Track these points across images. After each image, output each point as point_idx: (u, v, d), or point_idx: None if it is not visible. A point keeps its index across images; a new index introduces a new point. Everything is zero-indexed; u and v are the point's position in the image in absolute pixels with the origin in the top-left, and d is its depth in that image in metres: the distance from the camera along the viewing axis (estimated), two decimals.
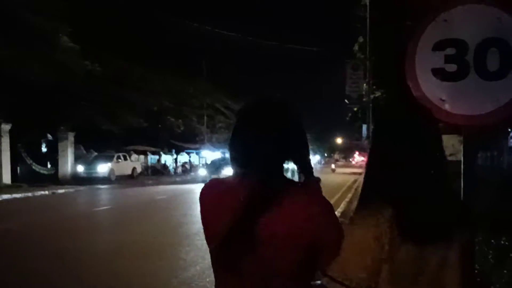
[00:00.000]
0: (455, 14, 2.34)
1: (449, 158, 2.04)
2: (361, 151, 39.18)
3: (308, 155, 1.26)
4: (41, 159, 21.93)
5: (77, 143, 23.01)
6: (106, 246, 7.08)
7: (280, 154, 1.19)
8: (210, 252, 1.23)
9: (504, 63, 2.24)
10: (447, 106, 2.33)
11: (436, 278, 1.09)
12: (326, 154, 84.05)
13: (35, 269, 5.63)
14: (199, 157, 35.53)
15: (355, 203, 1.14)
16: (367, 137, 15.43)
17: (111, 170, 23.27)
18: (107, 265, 5.88)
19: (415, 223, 1.10)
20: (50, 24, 17.03)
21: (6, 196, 14.66)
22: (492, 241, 3.28)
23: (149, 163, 30.28)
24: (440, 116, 2.17)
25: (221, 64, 36.50)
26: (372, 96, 13.87)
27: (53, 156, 22.05)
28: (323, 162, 71.01)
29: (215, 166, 23.39)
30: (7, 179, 18.15)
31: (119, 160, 24.67)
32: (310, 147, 1.29)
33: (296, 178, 1.24)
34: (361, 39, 13.64)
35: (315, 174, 1.25)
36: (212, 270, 1.25)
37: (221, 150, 33.21)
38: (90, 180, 21.40)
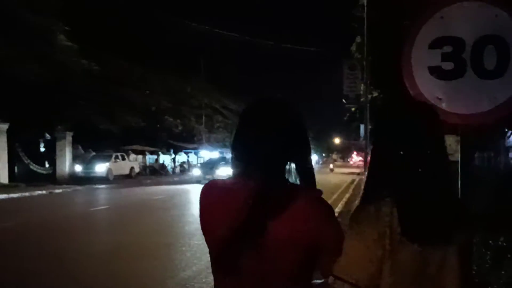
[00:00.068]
0: (452, 11, 2.32)
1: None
2: (359, 151, 39.20)
3: (310, 157, 1.26)
4: (39, 159, 21.84)
5: (75, 142, 22.92)
6: (103, 247, 7.04)
7: (283, 155, 1.19)
8: (210, 253, 1.22)
9: (501, 61, 2.21)
10: (443, 105, 2.31)
11: (436, 278, 1.10)
12: (324, 154, 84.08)
13: (31, 269, 5.59)
14: (197, 157, 35.47)
15: (353, 204, 1.13)
16: (365, 137, 15.42)
17: (109, 170, 23.20)
18: (104, 265, 5.84)
19: (415, 223, 1.10)
20: (47, 23, 16.98)
21: (2, 196, 14.57)
22: (490, 242, 3.26)
23: (147, 163, 30.21)
24: None
25: (220, 63, 36.52)
26: (369, 96, 13.86)
27: (51, 155, 21.96)
28: (321, 162, 71.04)
29: (210, 166, 23.20)
30: (4, 178, 18.08)
31: (117, 159, 24.59)
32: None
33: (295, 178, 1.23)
34: (358, 39, 13.63)
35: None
36: (208, 271, 1.23)
37: (219, 150, 33.18)
38: (88, 179, 21.32)
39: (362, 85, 15.73)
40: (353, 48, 14.62)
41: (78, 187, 18.82)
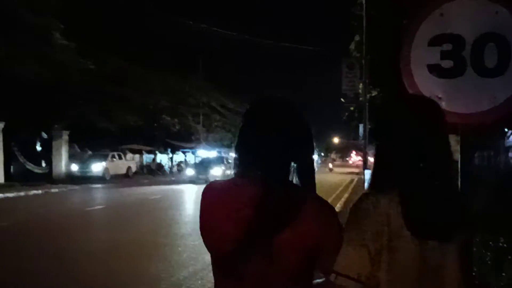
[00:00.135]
0: (452, 8, 2.26)
1: None
2: (358, 150, 39.20)
3: (312, 157, 1.26)
4: (36, 158, 21.73)
5: (71, 141, 22.82)
6: (99, 246, 6.95)
7: (286, 156, 1.18)
8: (211, 254, 1.20)
9: (502, 59, 2.15)
10: (443, 104, 2.24)
11: (436, 274, 1.10)
12: (323, 154, 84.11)
13: (29, 268, 5.54)
14: (195, 156, 35.38)
15: (352, 204, 1.17)
16: (364, 136, 15.38)
17: (106, 169, 23.10)
18: (100, 265, 5.79)
19: (415, 220, 1.10)
20: (46, 22, 16.90)
21: None
22: (490, 243, 3.20)
23: (144, 162, 30.11)
24: None
25: (218, 63, 36.47)
26: (368, 96, 13.81)
27: (48, 154, 21.86)
28: (320, 161, 71.08)
29: (204, 166, 22.95)
30: None
31: (114, 159, 24.50)
32: None
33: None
34: (357, 38, 13.57)
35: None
36: (204, 271, 1.19)
37: (217, 149, 33.10)
38: (84, 179, 21.22)
39: (361, 84, 15.68)
40: (352, 46, 14.55)
41: (75, 187, 18.75)
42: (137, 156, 28.90)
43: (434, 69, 2.26)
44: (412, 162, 1.15)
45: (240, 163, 1.22)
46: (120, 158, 25.25)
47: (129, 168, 25.99)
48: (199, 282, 4.86)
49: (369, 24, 11.36)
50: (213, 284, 1.22)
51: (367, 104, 14.20)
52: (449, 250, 1.10)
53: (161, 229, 8.58)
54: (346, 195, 14.60)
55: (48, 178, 20.56)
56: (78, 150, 24.59)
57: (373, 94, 13.43)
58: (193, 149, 34.52)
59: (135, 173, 26.90)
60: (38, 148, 22.72)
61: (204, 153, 32.15)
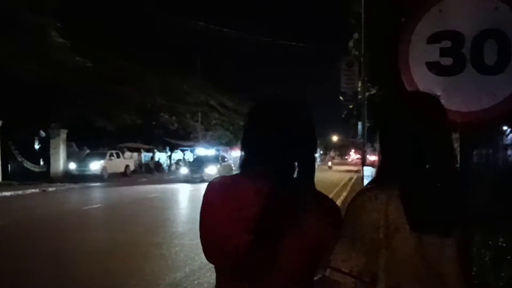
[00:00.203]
0: (451, 4, 2.22)
1: None
2: (357, 148, 39.20)
3: (315, 155, 1.25)
4: (34, 157, 21.67)
5: (69, 140, 22.76)
6: (95, 246, 6.90)
7: (292, 153, 1.18)
8: (213, 252, 1.18)
9: (502, 56, 2.12)
10: (442, 102, 2.21)
11: (434, 267, 1.09)
12: (321, 152, 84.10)
13: (25, 268, 5.49)
14: (193, 155, 35.36)
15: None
16: (362, 134, 15.34)
17: (104, 168, 23.03)
18: (96, 265, 5.76)
19: (414, 216, 1.09)
20: (43, 21, 16.83)
21: None
22: (490, 242, 3.17)
23: (142, 161, 30.05)
24: None
25: (216, 61, 36.39)
26: (367, 94, 13.78)
27: (46, 153, 21.79)
28: (319, 160, 71.11)
29: (198, 164, 22.55)
30: None
31: (112, 157, 24.40)
32: None
33: None
34: (356, 36, 13.53)
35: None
36: (201, 271, 1.16)
37: (215, 147, 33.05)
38: (82, 178, 21.14)
39: (360, 82, 15.63)
40: (351, 44, 14.53)
41: (72, 185, 18.70)
42: (135, 154, 28.84)
43: (433, 67, 2.22)
44: (412, 159, 1.14)
45: (245, 160, 1.22)
46: (118, 156, 25.16)
47: (127, 166, 25.92)
48: (196, 282, 4.82)
49: (368, 22, 11.32)
50: (210, 284, 1.18)
51: (365, 102, 14.15)
52: (448, 246, 1.09)
53: (158, 228, 8.54)
54: (344, 194, 14.59)
55: (46, 176, 20.51)
56: (76, 148, 24.52)
57: (372, 92, 13.41)
58: (191, 148, 34.47)
59: (133, 171, 26.83)
60: (36, 146, 22.65)
61: (203, 151, 32.07)
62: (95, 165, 22.63)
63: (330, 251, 1.14)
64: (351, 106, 20.89)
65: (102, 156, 23.63)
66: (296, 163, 1.19)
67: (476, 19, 2.16)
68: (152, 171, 29.04)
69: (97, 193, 16.68)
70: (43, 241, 7.29)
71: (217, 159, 24.09)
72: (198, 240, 1.19)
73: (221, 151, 34.17)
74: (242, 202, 1.12)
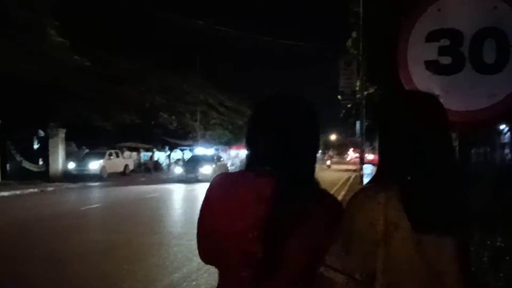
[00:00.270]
0: (450, 2, 2.19)
1: None
2: (355, 147, 39.21)
3: (317, 153, 1.27)
4: (33, 156, 21.62)
5: (68, 139, 22.70)
6: (93, 247, 6.87)
7: (296, 152, 1.18)
8: (219, 248, 1.17)
9: (501, 55, 2.09)
10: (441, 101, 2.19)
11: (433, 268, 1.08)
12: (320, 151, 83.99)
13: (20, 271, 5.42)
14: (192, 154, 35.34)
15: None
16: (361, 133, 15.34)
17: (103, 167, 22.98)
18: (94, 267, 5.71)
19: (413, 215, 1.08)
20: (41, 19, 16.77)
21: None
22: (488, 242, 3.15)
23: (142, 160, 30.01)
24: None
25: (216, 60, 36.36)
26: (365, 93, 13.77)
27: (45, 153, 21.74)
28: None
29: (193, 164, 22.19)
30: None
31: (111, 157, 24.34)
32: None
33: None
34: (354, 35, 13.52)
35: None
36: (199, 272, 1.15)
37: (214, 147, 33.02)
38: (81, 177, 21.09)
39: (358, 81, 15.62)
40: (349, 43, 14.51)
41: (71, 185, 18.65)
42: (134, 154, 28.79)
43: (432, 66, 2.20)
44: (412, 159, 1.13)
45: (250, 158, 1.22)
46: (117, 156, 25.11)
47: (126, 166, 25.87)
48: (194, 283, 4.79)
49: (366, 20, 11.30)
50: (207, 286, 1.17)
51: (364, 101, 14.15)
52: (448, 246, 1.08)
53: (155, 229, 8.52)
54: (343, 193, 14.58)
55: (45, 176, 20.46)
56: (75, 148, 24.45)
57: (370, 91, 13.40)
58: (191, 147, 34.44)
59: (133, 171, 26.78)
60: (35, 146, 22.59)
61: (202, 150, 32.03)
62: (94, 165, 22.57)
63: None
64: (349, 105, 20.89)
65: (101, 155, 23.56)
66: (299, 161, 1.18)
67: (475, 17, 2.13)
68: (151, 171, 28.99)
69: (96, 193, 16.65)
70: (39, 242, 7.24)
71: (212, 159, 23.70)
72: (196, 241, 1.18)
73: (220, 151, 34.14)
74: (246, 201, 1.11)
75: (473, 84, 2.12)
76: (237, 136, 37.31)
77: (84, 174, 21.78)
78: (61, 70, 17.81)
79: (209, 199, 1.19)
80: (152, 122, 28.60)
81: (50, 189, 17.16)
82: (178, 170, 22.93)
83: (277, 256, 1.10)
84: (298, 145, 1.17)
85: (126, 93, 22.39)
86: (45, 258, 6.16)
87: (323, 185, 1.26)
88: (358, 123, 16.74)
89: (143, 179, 23.65)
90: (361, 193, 1.18)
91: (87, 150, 24.46)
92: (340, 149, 79.65)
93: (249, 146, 1.23)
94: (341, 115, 25.04)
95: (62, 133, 21.72)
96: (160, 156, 32.69)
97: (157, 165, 30.75)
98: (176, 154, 35.02)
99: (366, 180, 9.87)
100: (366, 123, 14.64)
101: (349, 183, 19.87)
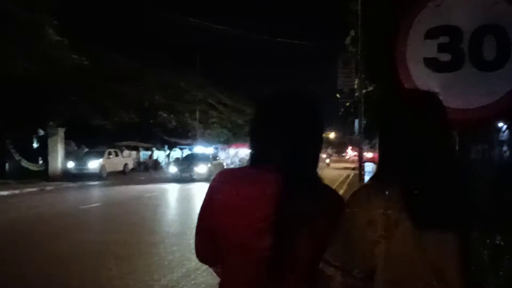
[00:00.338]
0: None
1: None
2: (354, 145, 39.18)
3: (321, 149, 1.27)
4: (32, 155, 21.58)
5: (67, 138, 22.67)
6: (91, 247, 6.85)
7: (300, 148, 1.18)
8: (223, 245, 1.16)
9: (501, 52, 2.07)
10: (440, 99, 2.17)
11: (433, 266, 1.08)
12: None
13: (16, 272, 5.37)
14: (187, 153, 35.31)
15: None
16: (359, 132, 15.33)
17: (102, 167, 22.93)
18: (92, 267, 5.68)
19: (413, 212, 1.08)
20: (38, 17, 16.72)
21: None
22: (488, 240, 3.14)
23: (141, 159, 29.97)
24: None
25: (215, 59, 36.33)
26: (364, 91, 13.76)
27: (44, 152, 21.70)
28: None
29: (188, 163, 21.72)
30: None
31: (111, 156, 24.31)
32: None
33: None
34: (352, 33, 13.50)
35: None
36: (198, 272, 1.14)
37: (214, 145, 32.98)
38: (81, 176, 21.06)
39: (357, 79, 15.61)
40: (348, 41, 14.48)
41: (71, 184, 18.62)
42: (134, 153, 28.77)
43: (431, 63, 2.17)
44: (412, 158, 1.13)
45: (254, 155, 1.21)
46: (116, 155, 25.08)
47: (125, 165, 25.83)
48: (193, 282, 4.78)
49: (365, 18, 11.28)
50: (207, 285, 1.16)
51: (362, 99, 14.14)
52: (448, 244, 1.08)
53: (154, 228, 8.51)
54: (341, 191, 14.59)
55: (44, 175, 20.42)
56: (75, 147, 24.43)
57: (369, 89, 13.39)
58: (190, 146, 34.41)
59: (132, 170, 26.75)
60: (35, 145, 22.56)
61: (201, 149, 32.01)
62: (94, 164, 22.53)
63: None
64: (348, 104, 20.88)
65: (100, 154, 23.51)
66: (303, 157, 1.18)
67: (474, 13, 2.11)
68: (151, 169, 28.95)
69: (96, 192, 16.63)
70: (37, 242, 7.20)
71: (208, 158, 23.08)
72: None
73: (219, 149, 34.09)
74: (253, 198, 1.11)
75: (473, 82, 2.10)
76: (237, 135, 37.30)
77: (83, 173, 21.74)
78: (60, 69, 17.75)
79: (213, 197, 1.17)
80: (152, 121, 28.54)
81: (49, 188, 17.13)
82: (173, 169, 22.45)
83: (285, 253, 1.09)
84: (302, 141, 1.17)
85: (125, 92, 22.34)
86: (44, 258, 6.13)
87: (325, 182, 1.26)
88: (357, 121, 16.73)
89: (142, 178, 23.61)
90: (361, 191, 1.18)
91: (86, 149, 24.42)
92: (339, 147, 79.58)
93: (253, 142, 1.23)
94: (340, 113, 25.04)
95: (61, 132, 21.69)
96: (159, 155, 32.66)
97: (156, 164, 30.72)
98: (176, 153, 35.01)
99: (367, 178, 9.85)
100: (364, 121, 14.62)
101: (348, 181, 19.88)
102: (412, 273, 1.08)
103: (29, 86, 17.02)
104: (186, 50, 32.19)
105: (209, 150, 29.36)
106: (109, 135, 24.89)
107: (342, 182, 19.44)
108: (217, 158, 25.54)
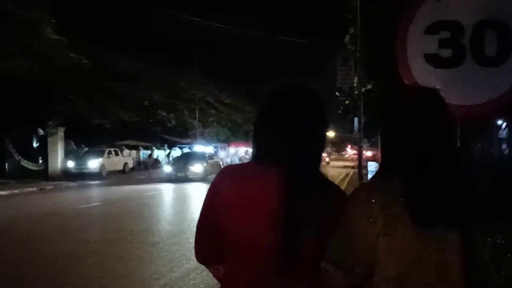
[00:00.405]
0: None
1: None
2: (353, 144, 39.19)
3: (324, 146, 1.27)
4: (32, 155, 21.55)
5: (67, 138, 22.64)
6: (90, 246, 6.82)
7: (307, 143, 1.18)
8: (227, 242, 1.14)
9: (503, 47, 2.03)
10: (442, 95, 2.13)
11: (433, 263, 1.07)
12: None
13: (12, 272, 5.32)
14: (183, 152, 35.28)
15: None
16: (359, 130, 15.30)
17: (102, 166, 22.90)
18: (90, 267, 5.65)
19: (414, 209, 1.08)
20: (37, 16, 16.68)
21: None
22: (488, 239, 3.11)
23: (141, 158, 29.94)
24: None
25: (214, 57, 36.29)
26: (363, 89, 13.72)
27: (44, 151, 21.67)
28: None
29: (183, 162, 21.24)
30: None
31: (110, 155, 24.27)
32: None
33: None
34: (352, 31, 13.45)
35: None
36: (197, 271, 1.12)
37: (213, 144, 32.96)
38: (80, 176, 21.03)
39: (356, 77, 15.58)
40: (347, 39, 14.43)
41: (70, 184, 18.59)
42: (133, 152, 28.73)
43: (432, 59, 2.14)
44: (413, 156, 1.13)
45: (257, 151, 1.21)
46: (116, 154, 25.04)
47: (125, 164, 25.78)
48: (192, 282, 4.75)
49: (364, 16, 11.24)
50: (206, 285, 1.14)
51: (362, 97, 14.10)
52: (448, 241, 1.08)
53: (153, 227, 8.48)
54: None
55: (44, 175, 20.39)
56: (74, 146, 24.39)
57: (368, 87, 13.35)
58: (189, 145, 34.38)
59: (132, 169, 26.71)
60: (34, 144, 22.51)
61: (201, 148, 31.97)
62: (94, 163, 22.49)
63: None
64: (347, 102, 20.85)
65: (100, 154, 23.48)
66: (307, 153, 1.18)
67: (476, 8, 2.08)
68: (151, 169, 28.91)
69: (96, 191, 16.60)
70: (37, 242, 7.18)
71: (203, 157, 22.55)
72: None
73: (219, 148, 34.07)
74: (261, 193, 1.11)
75: (475, 77, 2.07)
76: (236, 133, 37.30)
77: (83, 172, 21.70)
78: (59, 68, 17.72)
79: (216, 194, 1.16)
80: (151, 120, 28.51)
81: (49, 187, 17.10)
82: (167, 168, 22.00)
83: (290, 249, 1.08)
84: (307, 137, 1.17)
85: (124, 91, 22.31)
86: (44, 257, 6.11)
87: None
88: (356, 120, 16.71)
89: (142, 177, 23.58)
90: (363, 188, 1.18)
91: (86, 149, 24.39)
92: (339, 145, 79.52)
93: (257, 138, 1.22)
94: (339, 111, 25.01)
95: (61, 132, 21.67)
96: (159, 154, 32.62)
97: (156, 163, 30.68)
98: (176, 152, 34.99)
99: (369, 178, 9.85)
100: (364, 120, 14.58)
101: (347, 179, 19.88)
102: (413, 270, 1.07)
103: (29, 85, 16.99)
104: (185, 48, 32.17)
105: (209, 149, 29.29)
106: (108, 134, 24.87)
107: (342, 180, 19.44)
108: (214, 157, 25.33)
